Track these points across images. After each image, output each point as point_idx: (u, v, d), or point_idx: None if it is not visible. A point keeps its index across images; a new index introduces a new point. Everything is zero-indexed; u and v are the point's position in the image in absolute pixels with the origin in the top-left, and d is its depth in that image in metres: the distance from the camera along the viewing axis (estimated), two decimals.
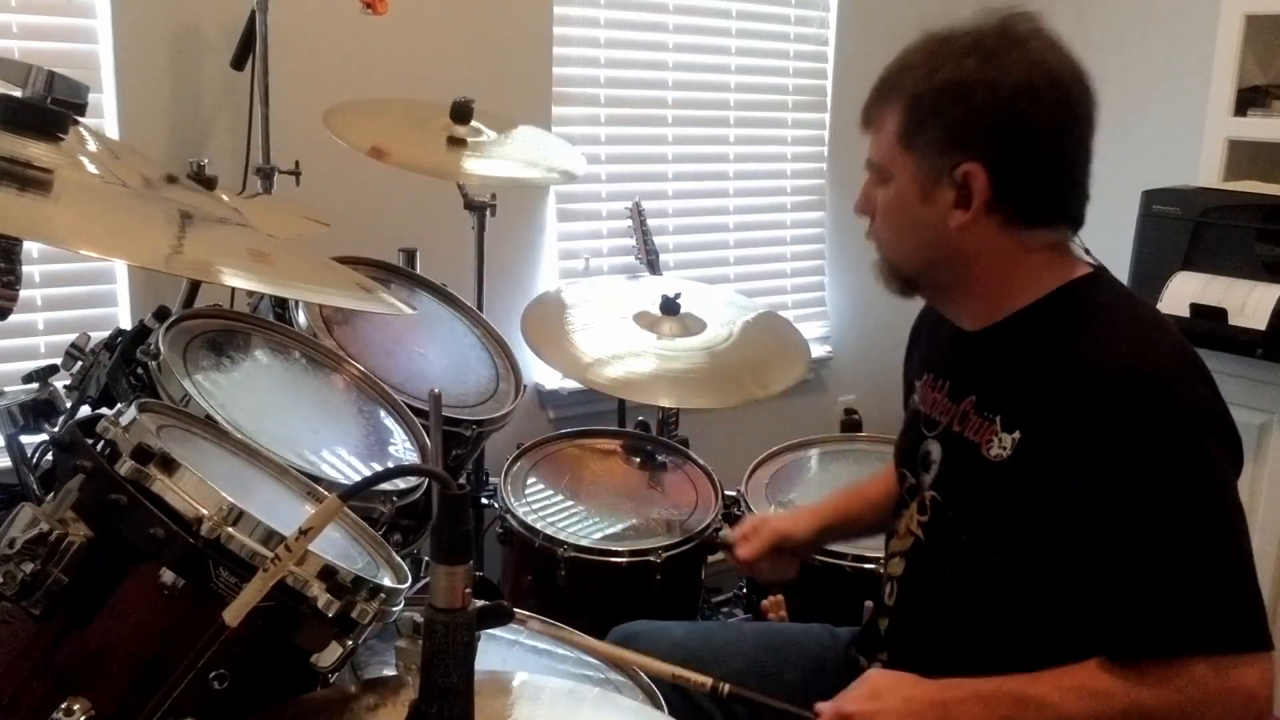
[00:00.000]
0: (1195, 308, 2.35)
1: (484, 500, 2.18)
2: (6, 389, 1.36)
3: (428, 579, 0.81)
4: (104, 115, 2.08)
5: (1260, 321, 2.26)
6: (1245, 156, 2.60)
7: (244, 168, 2.15)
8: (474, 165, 2.02)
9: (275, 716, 0.97)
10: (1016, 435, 1.16)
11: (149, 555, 0.91)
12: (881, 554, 1.43)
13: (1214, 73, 2.59)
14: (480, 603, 0.82)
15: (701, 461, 2.14)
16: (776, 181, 3.06)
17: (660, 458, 2.18)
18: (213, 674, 0.92)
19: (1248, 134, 2.58)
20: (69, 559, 0.89)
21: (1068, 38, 1.19)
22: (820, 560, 1.84)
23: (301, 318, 1.63)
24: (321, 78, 2.24)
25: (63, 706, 0.89)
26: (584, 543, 1.85)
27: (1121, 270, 2.48)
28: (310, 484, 1.21)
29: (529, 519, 1.89)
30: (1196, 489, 1.08)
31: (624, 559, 1.84)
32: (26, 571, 0.88)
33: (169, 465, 0.93)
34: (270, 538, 0.93)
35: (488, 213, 2.25)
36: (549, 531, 1.86)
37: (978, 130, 1.13)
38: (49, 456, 1.29)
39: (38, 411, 1.33)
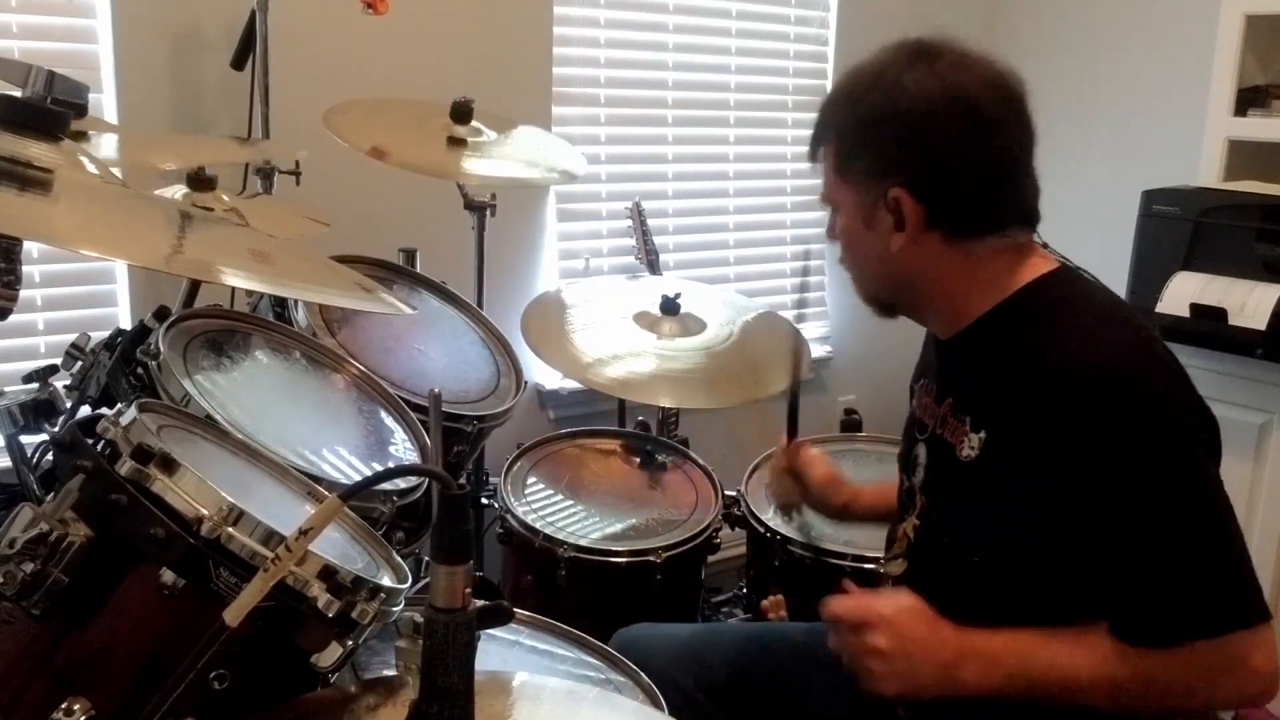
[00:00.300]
0: (1195, 308, 2.35)
1: (484, 500, 2.18)
2: (6, 389, 1.36)
3: (428, 579, 0.81)
4: (104, 115, 2.07)
5: (1260, 321, 2.26)
6: (1245, 156, 2.60)
7: (244, 168, 2.15)
8: (474, 165, 2.02)
9: (275, 716, 0.97)
10: (983, 435, 1.17)
11: (149, 555, 0.91)
12: (881, 554, 1.43)
13: (1214, 73, 2.59)
14: (480, 603, 0.82)
15: (701, 461, 2.14)
16: (776, 181, 3.07)
17: (660, 458, 2.18)
18: (213, 674, 0.92)
19: (1248, 134, 2.58)
20: (69, 559, 0.89)
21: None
22: (820, 560, 1.84)
23: (301, 317, 1.63)
24: (321, 78, 2.24)
25: (63, 706, 0.89)
26: (584, 543, 1.85)
27: (1121, 270, 2.48)
28: (310, 484, 1.21)
29: (529, 519, 1.89)
30: (1167, 477, 1.08)
31: (624, 559, 1.84)
32: (26, 571, 0.88)
33: (169, 465, 0.93)
34: (270, 538, 0.93)
35: (488, 213, 2.25)
36: (549, 531, 1.86)
37: (895, 157, 1.18)
38: (49, 456, 1.29)
39: (38, 411, 1.33)
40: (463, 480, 1.28)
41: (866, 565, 1.81)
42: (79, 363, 1.44)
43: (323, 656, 0.95)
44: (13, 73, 1.09)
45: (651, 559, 1.84)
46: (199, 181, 1.66)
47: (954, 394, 1.25)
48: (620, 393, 2.31)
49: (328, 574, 0.95)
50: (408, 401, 1.56)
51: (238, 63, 2.10)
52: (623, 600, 1.82)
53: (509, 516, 1.91)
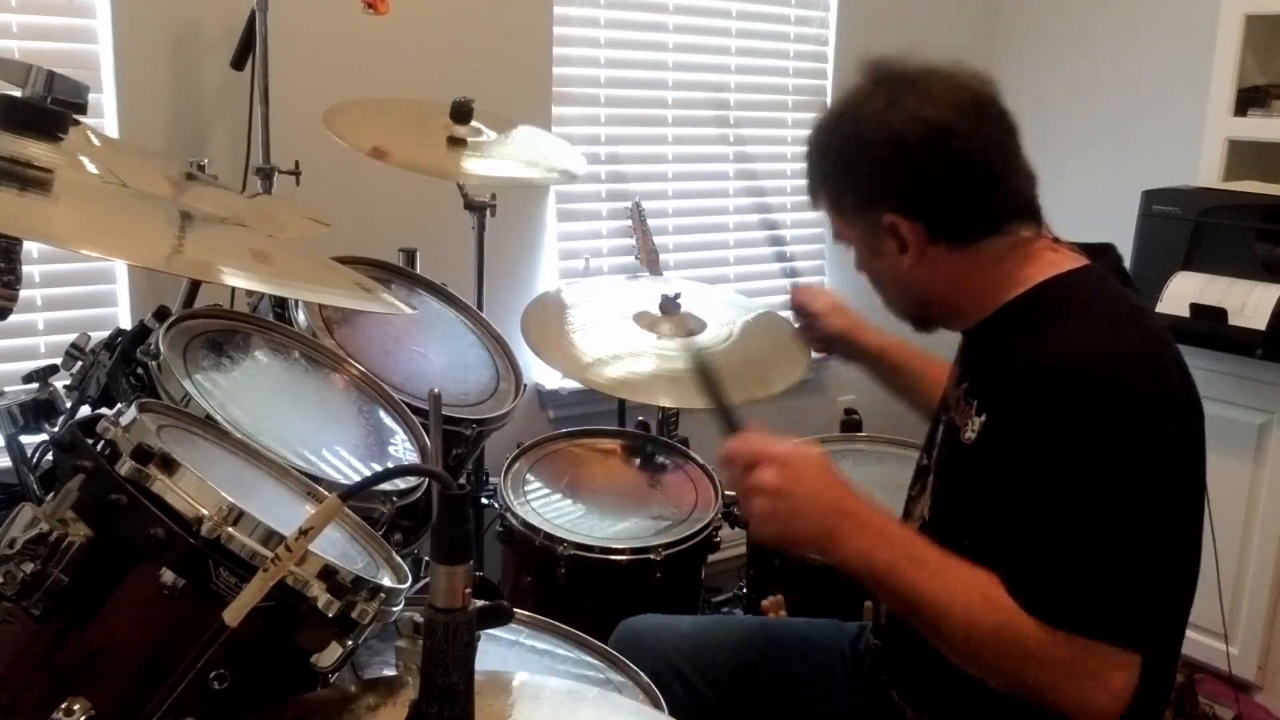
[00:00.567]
0: (1195, 308, 2.35)
1: (484, 500, 2.18)
2: (6, 389, 1.36)
3: (428, 579, 0.81)
4: (104, 115, 2.08)
5: (1260, 321, 2.26)
6: (1245, 156, 2.60)
7: (244, 168, 2.15)
8: (474, 165, 2.02)
9: (275, 716, 0.97)
10: (983, 418, 1.19)
11: (149, 555, 0.91)
12: None
13: (1214, 73, 2.60)
14: (480, 603, 0.82)
15: (701, 461, 2.14)
16: (776, 181, 3.06)
17: (660, 458, 2.18)
18: (213, 674, 0.92)
19: (1248, 134, 2.58)
20: (69, 559, 0.90)
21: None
22: (820, 560, 1.84)
23: (301, 317, 1.63)
24: (321, 78, 2.24)
25: (63, 706, 0.89)
26: (584, 542, 1.85)
27: None
28: (310, 484, 1.21)
29: (529, 518, 1.89)
30: (1132, 483, 1.07)
31: (624, 558, 1.84)
32: (26, 571, 0.89)
33: (169, 465, 0.93)
34: (270, 538, 0.93)
35: (488, 213, 2.25)
36: (549, 530, 1.86)
37: (879, 187, 1.22)
38: (49, 456, 1.29)
39: (38, 411, 1.33)
40: (462, 480, 1.28)
41: None
42: (79, 363, 1.44)
43: (323, 656, 0.96)
44: (13, 73, 1.10)
45: (651, 558, 1.84)
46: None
47: (969, 379, 1.27)
48: (620, 393, 2.30)
49: (328, 574, 0.95)
50: (408, 404, 1.56)
51: (238, 63, 2.10)
52: (623, 599, 1.81)
53: (509, 516, 1.91)
